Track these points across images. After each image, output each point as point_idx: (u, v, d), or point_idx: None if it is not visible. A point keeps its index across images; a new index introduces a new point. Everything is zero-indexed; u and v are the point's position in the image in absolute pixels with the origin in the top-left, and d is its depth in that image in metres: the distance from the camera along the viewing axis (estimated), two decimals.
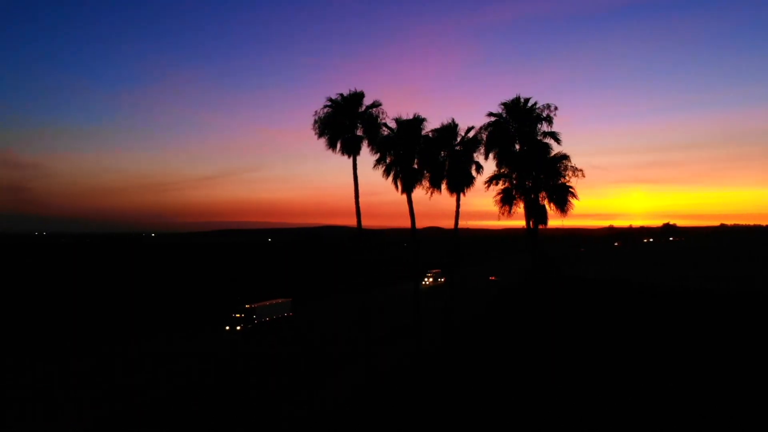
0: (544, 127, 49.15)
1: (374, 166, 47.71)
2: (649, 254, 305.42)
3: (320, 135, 51.13)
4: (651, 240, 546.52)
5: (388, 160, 47.55)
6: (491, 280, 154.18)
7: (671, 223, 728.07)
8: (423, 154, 48.27)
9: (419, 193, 51.96)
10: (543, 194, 48.62)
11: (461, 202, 51.16)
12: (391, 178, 47.45)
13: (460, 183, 50.43)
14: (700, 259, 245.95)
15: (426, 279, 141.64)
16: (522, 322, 63.30)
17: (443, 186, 51.10)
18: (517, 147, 49.23)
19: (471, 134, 50.84)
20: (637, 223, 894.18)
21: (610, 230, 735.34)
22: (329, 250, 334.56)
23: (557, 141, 49.83)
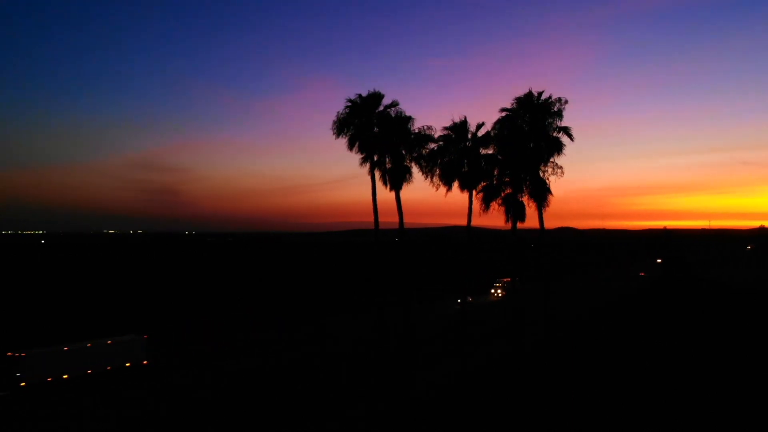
0: (557, 122, 47.50)
1: (360, 164, 48.41)
2: None
3: (338, 135, 52.40)
4: None
5: (375, 158, 47.84)
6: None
7: None
8: (412, 152, 48.05)
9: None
10: (526, 191, 47.17)
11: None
12: (378, 176, 47.77)
13: (471, 181, 49.33)
14: None
15: (493, 290, 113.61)
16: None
17: (455, 185, 50.29)
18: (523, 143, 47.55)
19: (482, 132, 49.81)
20: None
21: (761, 231, 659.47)
22: (443, 250, 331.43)
23: (570, 136, 48.17)
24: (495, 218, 50.56)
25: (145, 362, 52.48)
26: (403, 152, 47.58)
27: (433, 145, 48.88)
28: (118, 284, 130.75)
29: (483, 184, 48.94)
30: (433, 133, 48.74)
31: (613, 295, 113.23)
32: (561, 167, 47.63)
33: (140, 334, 55.98)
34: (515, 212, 47.23)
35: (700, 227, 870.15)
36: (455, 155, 49.08)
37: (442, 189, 50.27)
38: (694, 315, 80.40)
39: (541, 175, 47.25)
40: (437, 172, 49.25)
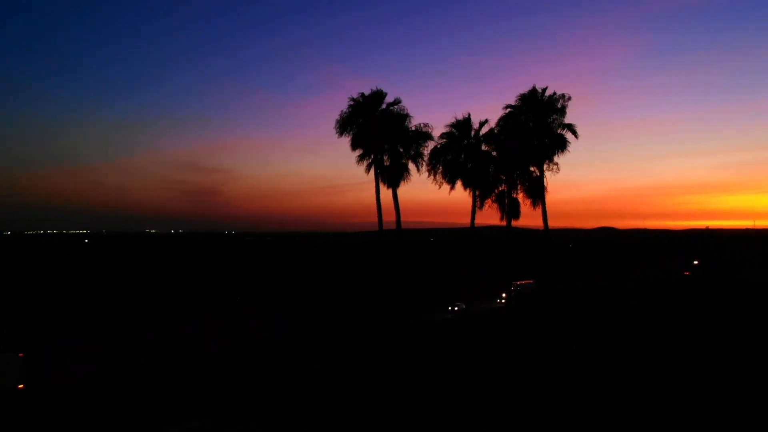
0: (561, 119, 47.12)
1: (357, 162, 47.91)
2: None
3: (340, 134, 51.83)
4: None
5: (377, 157, 47.39)
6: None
7: None
8: (409, 150, 47.59)
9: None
10: (521, 188, 46.84)
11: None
12: (372, 173, 47.24)
13: (474, 179, 48.73)
14: None
15: (505, 294, 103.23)
16: None
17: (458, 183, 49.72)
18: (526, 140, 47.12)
19: (485, 129, 49.17)
20: None
21: None
22: (445, 250, 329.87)
23: (574, 134, 47.53)
24: (496, 217, 50.26)
25: (20, 386, 43.01)
26: (401, 150, 47.11)
27: (434, 143, 48.47)
28: (132, 284, 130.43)
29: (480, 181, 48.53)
30: (430, 130, 48.39)
31: (638, 298, 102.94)
32: (557, 164, 47.51)
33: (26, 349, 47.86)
34: (510, 210, 46.85)
35: (744, 227, 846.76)
36: (458, 153, 48.58)
37: (446, 187, 49.88)
38: (721, 316, 78.28)
39: (537, 172, 46.94)
40: (440, 170, 48.81)
